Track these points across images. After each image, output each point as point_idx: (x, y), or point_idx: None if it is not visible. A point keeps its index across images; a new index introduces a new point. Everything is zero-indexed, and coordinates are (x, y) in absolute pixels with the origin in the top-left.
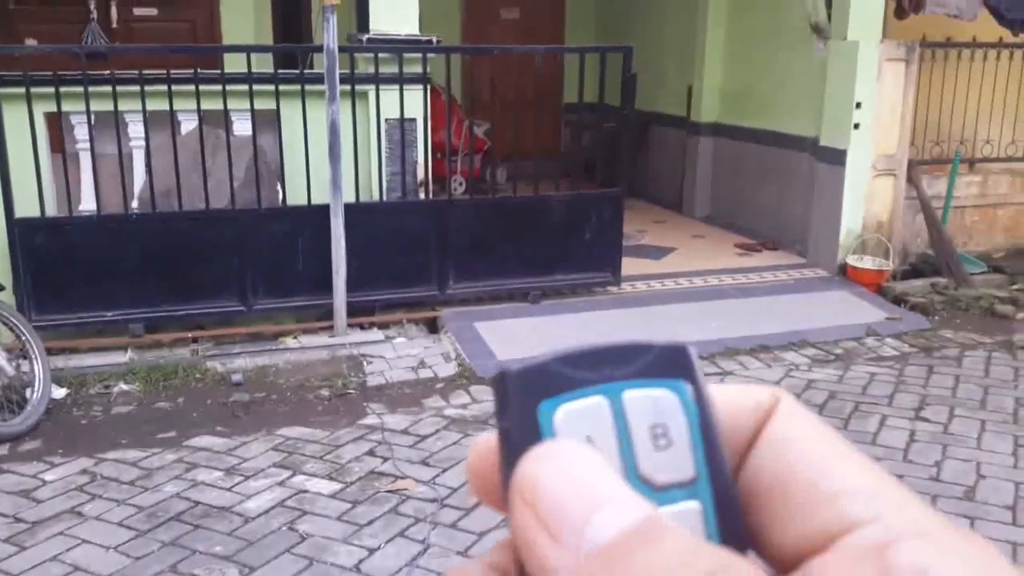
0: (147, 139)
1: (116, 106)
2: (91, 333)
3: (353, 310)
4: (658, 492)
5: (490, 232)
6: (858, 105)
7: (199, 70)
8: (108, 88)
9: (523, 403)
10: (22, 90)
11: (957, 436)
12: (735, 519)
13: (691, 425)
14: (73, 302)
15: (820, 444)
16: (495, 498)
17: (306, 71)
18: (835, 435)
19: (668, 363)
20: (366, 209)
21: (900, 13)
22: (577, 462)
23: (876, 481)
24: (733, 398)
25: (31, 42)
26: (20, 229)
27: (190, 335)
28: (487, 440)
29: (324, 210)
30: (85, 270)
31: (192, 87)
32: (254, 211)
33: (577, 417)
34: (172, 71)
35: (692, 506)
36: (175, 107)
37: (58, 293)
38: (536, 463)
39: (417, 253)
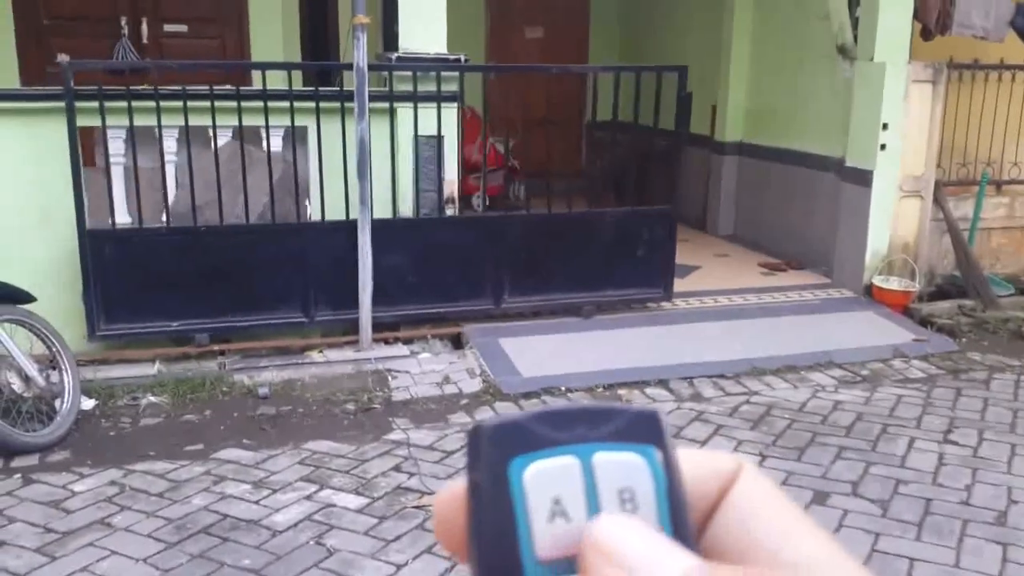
0: (189, 153)
1: (160, 120)
2: (157, 343)
3: (384, 326)
4: None
5: (540, 248)
6: (884, 126)
7: (239, 87)
8: (144, 103)
9: (495, 457)
10: (61, 104)
11: (987, 460)
12: None
13: (658, 491)
14: (139, 312)
15: (780, 513)
16: (456, 542)
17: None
18: (793, 505)
19: (640, 428)
20: (403, 225)
21: (926, 34)
22: (639, 526)
23: (831, 553)
24: (699, 463)
25: (64, 57)
26: (91, 240)
27: (216, 348)
28: (454, 487)
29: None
30: (152, 281)
31: (224, 103)
32: (316, 224)
33: (547, 475)
34: (205, 87)
35: None
36: (206, 122)
37: (125, 303)
38: (610, 524)
39: (471, 267)
